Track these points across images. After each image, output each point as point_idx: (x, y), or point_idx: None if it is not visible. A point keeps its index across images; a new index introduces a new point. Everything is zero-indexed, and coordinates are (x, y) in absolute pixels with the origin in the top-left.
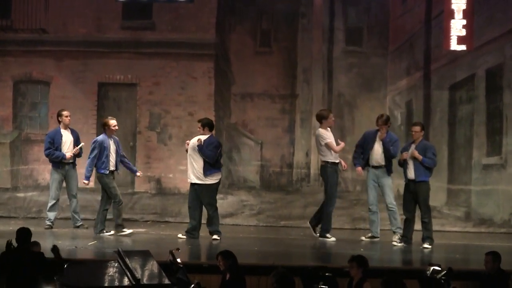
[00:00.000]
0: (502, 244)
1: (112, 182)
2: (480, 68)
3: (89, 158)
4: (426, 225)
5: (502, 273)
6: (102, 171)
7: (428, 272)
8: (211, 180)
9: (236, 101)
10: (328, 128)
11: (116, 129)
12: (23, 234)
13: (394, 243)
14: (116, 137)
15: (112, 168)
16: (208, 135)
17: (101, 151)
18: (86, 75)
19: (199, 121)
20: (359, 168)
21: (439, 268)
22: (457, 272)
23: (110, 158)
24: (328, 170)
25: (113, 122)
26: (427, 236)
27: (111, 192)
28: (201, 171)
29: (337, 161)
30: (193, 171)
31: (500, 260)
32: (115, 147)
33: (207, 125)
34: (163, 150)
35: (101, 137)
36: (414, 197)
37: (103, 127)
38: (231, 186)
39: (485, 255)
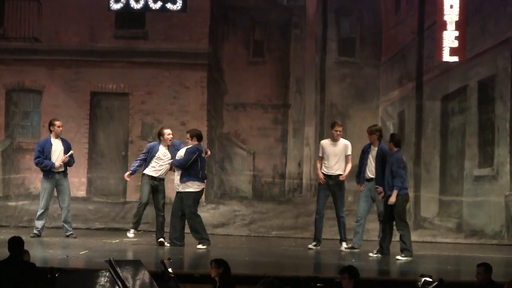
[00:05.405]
0: (493, 256)
1: (146, 186)
2: (473, 79)
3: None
4: (402, 237)
5: (493, 284)
6: (147, 173)
7: (419, 283)
8: (189, 188)
9: (229, 110)
10: (338, 141)
11: (171, 138)
12: (16, 243)
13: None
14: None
15: (155, 174)
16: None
17: (149, 155)
18: (78, 84)
19: (188, 131)
20: (360, 186)
21: (430, 279)
22: (448, 283)
23: (156, 164)
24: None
25: (167, 131)
26: (404, 248)
27: (141, 193)
28: (179, 178)
29: (329, 172)
30: (177, 178)
31: (491, 271)
32: (168, 155)
33: (195, 136)
34: None
35: (153, 143)
36: (391, 208)
37: (158, 137)
38: (223, 196)
39: (477, 267)
